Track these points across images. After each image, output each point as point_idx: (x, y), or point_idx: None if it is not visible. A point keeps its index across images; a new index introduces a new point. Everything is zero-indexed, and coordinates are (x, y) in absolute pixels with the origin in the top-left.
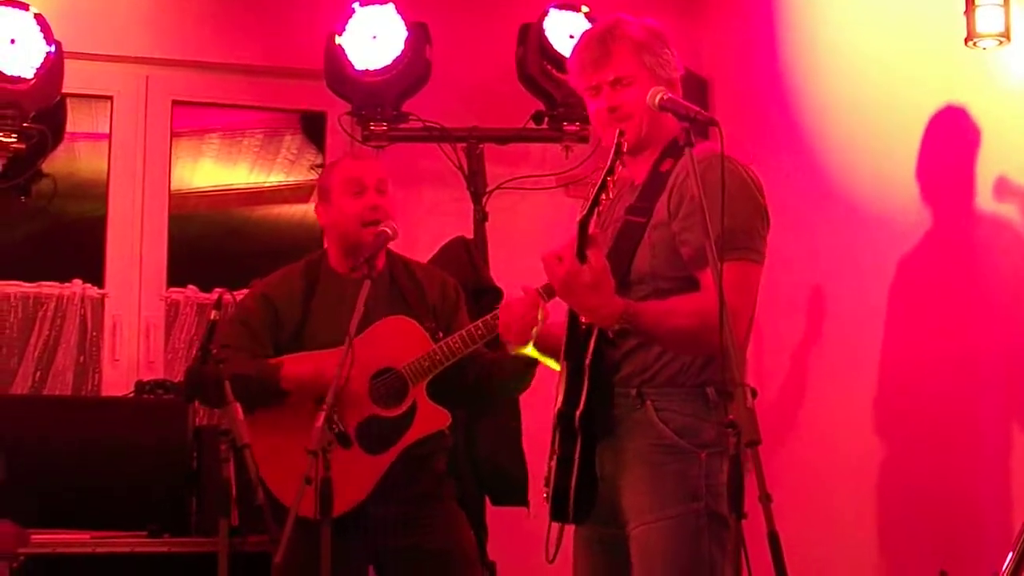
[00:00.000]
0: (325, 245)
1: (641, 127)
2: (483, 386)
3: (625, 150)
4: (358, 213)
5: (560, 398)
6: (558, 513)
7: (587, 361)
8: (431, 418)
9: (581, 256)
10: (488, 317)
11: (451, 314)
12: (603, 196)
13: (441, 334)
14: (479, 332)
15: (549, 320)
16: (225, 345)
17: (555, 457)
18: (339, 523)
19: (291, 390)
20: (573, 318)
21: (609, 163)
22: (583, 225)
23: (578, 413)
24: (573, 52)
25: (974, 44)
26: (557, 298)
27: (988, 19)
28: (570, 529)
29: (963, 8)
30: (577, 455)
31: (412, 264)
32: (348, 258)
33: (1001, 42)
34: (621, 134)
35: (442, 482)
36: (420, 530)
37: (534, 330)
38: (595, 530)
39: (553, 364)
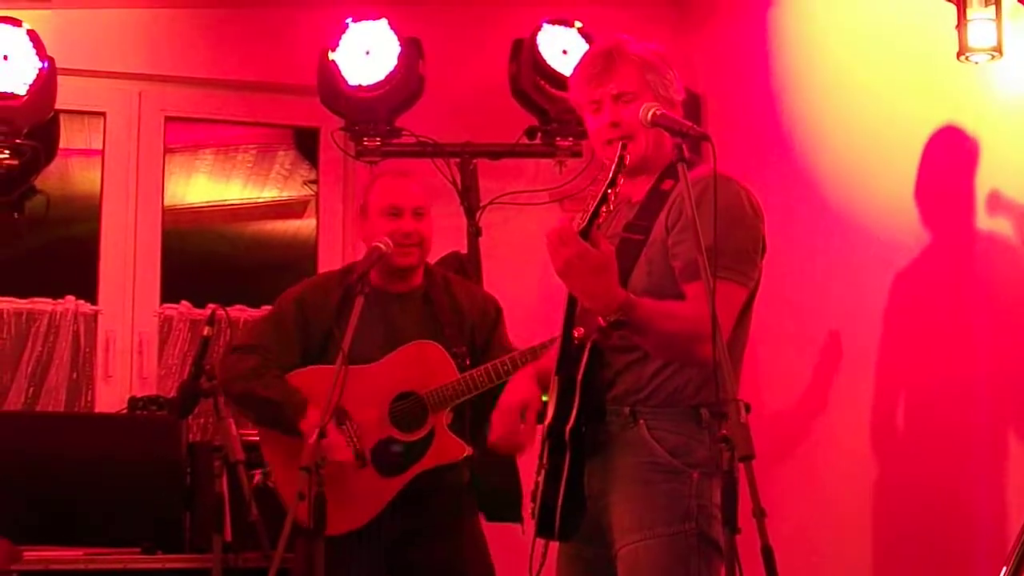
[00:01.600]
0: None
1: (644, 146)
2: None
3: (627, 163)
4: (388, 236)
5: (550, 412)
6: (544, 529)
7: (579, 376)
8: (448, 449)
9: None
10: (516, 354)
11: (490, 333)
12: (603, 208)
13: (469, 360)
14: (504, 368)
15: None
16: (254, 345)
17: (543, 471)
18: (356, 534)
19: (307, 433)
20: (567, 332)
21: (611, 175)
22: (582, 236)
23: (568, 428)
24: (576, 67)
25: (966, 59)
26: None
27: (980, 34)
28: (554, 546)
29: (955, 23)
30: (565, 470)
31: (453, 282)
32: (386, 277)
33: (993, 56)
34: (624, 146)
35: (461, 496)
36: (437, 543)
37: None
38: (580, 548)
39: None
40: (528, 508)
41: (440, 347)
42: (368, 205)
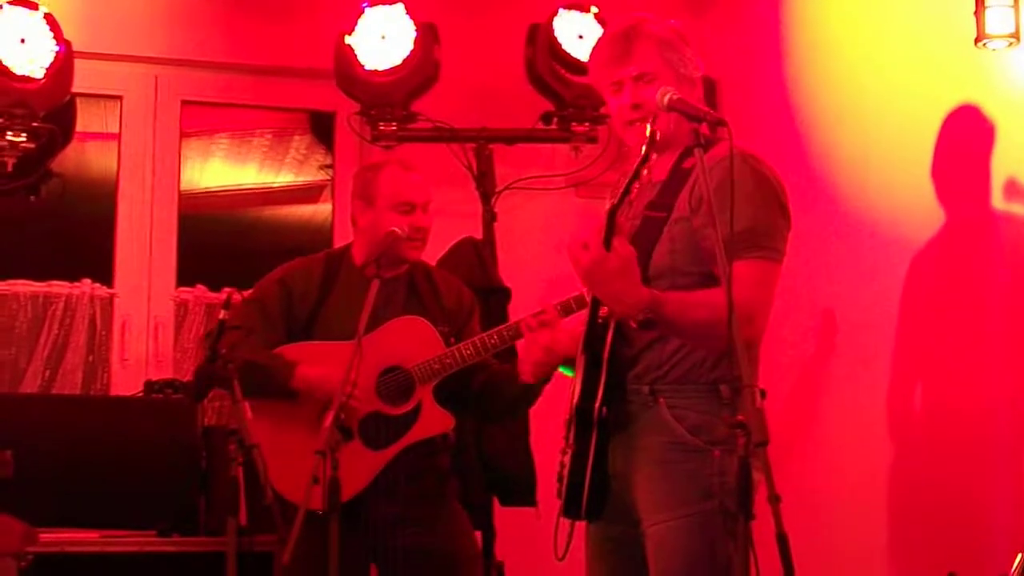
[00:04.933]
0: (353, 239)
1: (664, 126)
2: (485, 401)
3: (658, 140)
4: (404, 232)
5: (577, 391)
6: (571, 509)
7: (605, 355)
8: (435, 420)
9: (607, 245)
10: (503, 328)
11: (464, 322)
12: (634, 185)
13: (453, 339)
14: (492, 342)
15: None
16: (238, 326)
17: (569, 452)
18: (342, 518)
19: (301, 391)
20: (593, 311)
21: (644, 152)
22: (611, 214)
23: (596, 407)
24: (595, 48)
25: (984, 45)
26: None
27: (998, 20)
28: (580, 527)
29: (973, 9)
30: (592, 450)
31: (433, 271)
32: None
33: (1011, 43)
34: (655, 120)
35: (445, 481)
36: (423, 530)
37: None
38: (606, 529)
39: (570, 372)
40: (550, 492)
41: (427, 322)
42: (376, 196)
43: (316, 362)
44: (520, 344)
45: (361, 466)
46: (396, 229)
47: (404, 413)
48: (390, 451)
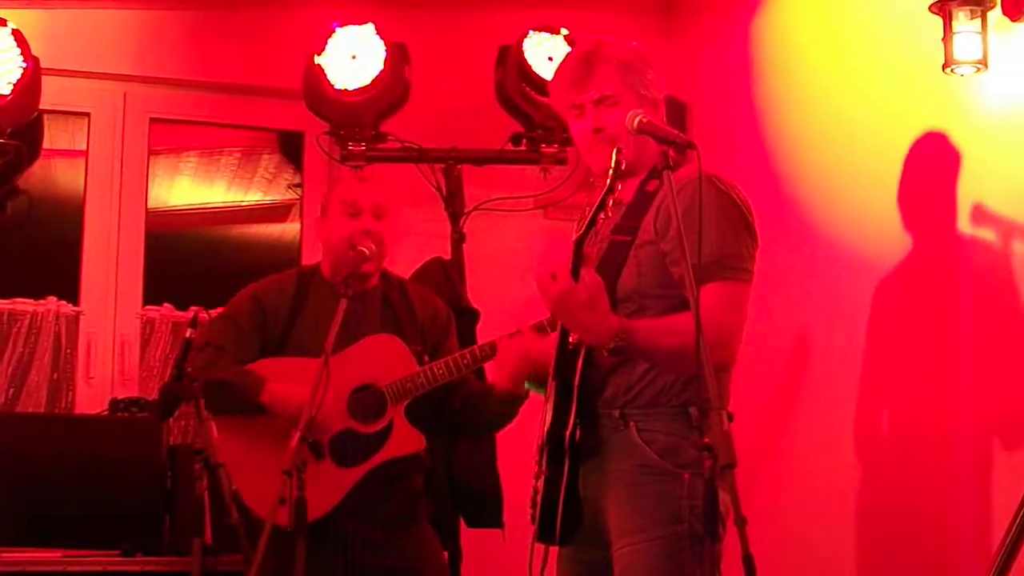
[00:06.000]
0: (321, 258)
1: (630, 148)
2: (468, 418)
3: (623, 168)
4: (348, 235)
5: (548, 417)
6: (545, 534)
7: (576, 381)
8: (406, 440)
9: (575, 275)
10: (475, 348)
11: (440, 338)
12: (600, 216)
13: (427, 358)
14: (464, 362)
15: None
16: (210, 342)
17: (542, 478)
18: (312, 536)
19: (268, 406)
20: (563, 337)
21: (609, 182)
22: (579, 244)
23: (567, 434)
24: (556, 72)
25: (952, 71)
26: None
27: (965, 46)
28: (553, 551)
29: (941, 35)
30: (565, 476)
31: (408, 286)
32: (336, 275)
33: (978, 69)
34: (619, 151)
35: (417, 502)
36: (393, 551)
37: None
38: (579, 551)
39: (539, 390)
40: (516, 516)
41: (399, 340)
42: (328, 204)
43: (287, 378)
44: (492, 361)
45: (332, 484)
46: (364, 249)
47: (376, 432)
48: (361, 469)
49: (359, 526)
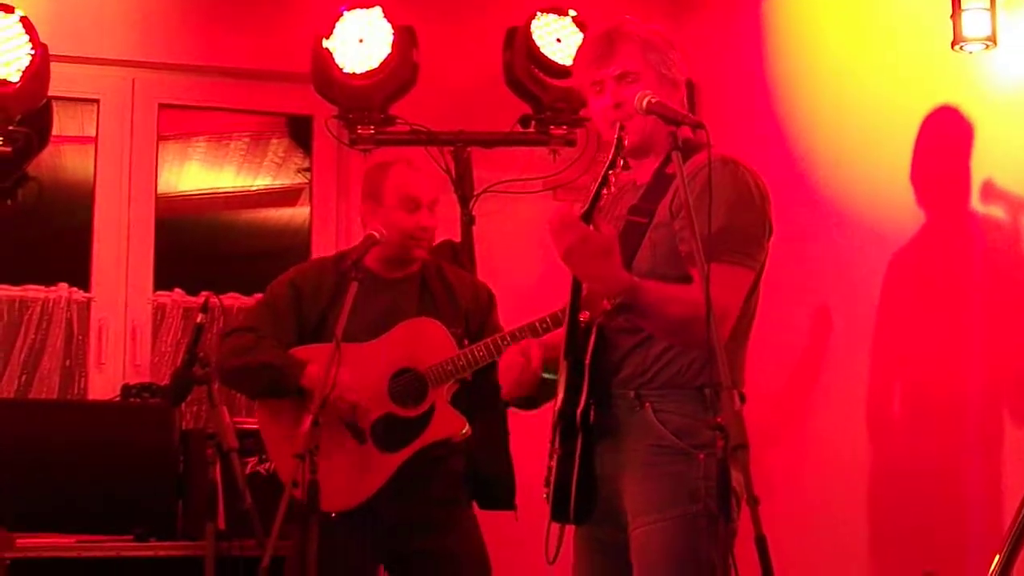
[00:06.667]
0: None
1: (645, 127)
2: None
3: (626, 144)
4: (409, 230)
5: (560, 396)
6: (559, 513)
7: (587, 359)
8: (448, 423)
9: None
10: (515, 330)
11: (484, 318)
12: (604, 191)
13: (467, 341)
14: (504, 343)
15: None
16: (250, 327)
17: (555, 456)
18: (352, 519)
19: (309, 389)
20: (573, 317)
21: (610, 158)
22: (584, 220)
23: (579, 412)
24: (579, 49)
25: (961, 48)
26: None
27: (975, 23)
28: (569, 530)
29: (949, 13)
30: (578, 454)
31: (446, 269)
32: (386, 264)
33: (988, 46)
34: (622, 128)
35: (458, 485)
36: (434, 533)
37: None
38: (594, 531)
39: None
40: (530, 497)
41: (439, 323)
42: (384, 193)
43: (326, 363)
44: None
45: (374, 469)
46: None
47: (417, 415)
48: (403, 454)
49: (399, 509)
